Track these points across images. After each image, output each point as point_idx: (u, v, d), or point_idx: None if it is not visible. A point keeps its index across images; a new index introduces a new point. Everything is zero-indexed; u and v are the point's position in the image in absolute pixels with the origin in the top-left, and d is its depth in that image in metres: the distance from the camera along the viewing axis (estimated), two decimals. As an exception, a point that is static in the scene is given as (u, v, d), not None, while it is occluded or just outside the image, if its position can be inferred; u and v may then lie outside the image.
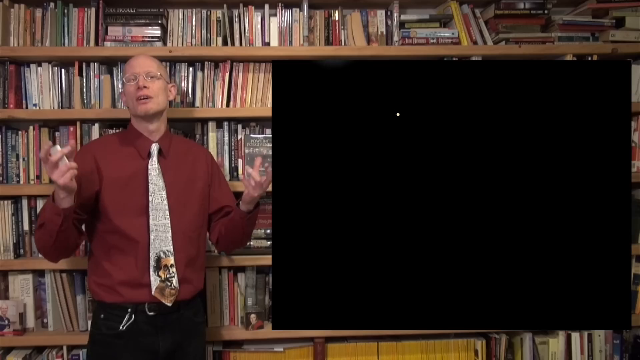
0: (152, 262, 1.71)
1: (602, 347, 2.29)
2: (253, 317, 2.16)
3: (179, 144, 1.90)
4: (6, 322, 2.07)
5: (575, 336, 2.28)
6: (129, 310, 1.71)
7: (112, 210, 1.73)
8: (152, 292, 1.70)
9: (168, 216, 1.74)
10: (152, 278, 1.71)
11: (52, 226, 1.58)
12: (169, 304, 1.72)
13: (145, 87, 1.75)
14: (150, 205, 1.73)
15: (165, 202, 1.75)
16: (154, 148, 1.80)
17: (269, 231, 2.17)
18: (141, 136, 1.81)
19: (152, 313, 1.72)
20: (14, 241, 2.12)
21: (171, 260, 1.73)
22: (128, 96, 1.79)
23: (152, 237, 1.72)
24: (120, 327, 1.71)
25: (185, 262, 1.77)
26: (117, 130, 2.15)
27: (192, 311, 1.83)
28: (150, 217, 1.73)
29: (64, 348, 2.11)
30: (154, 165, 1.77)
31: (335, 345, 2.20)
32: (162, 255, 1.72)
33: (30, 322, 2.13)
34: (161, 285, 1.71)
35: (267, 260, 2.16)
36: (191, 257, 1.80)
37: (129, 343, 1.71)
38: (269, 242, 2.17)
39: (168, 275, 1.72)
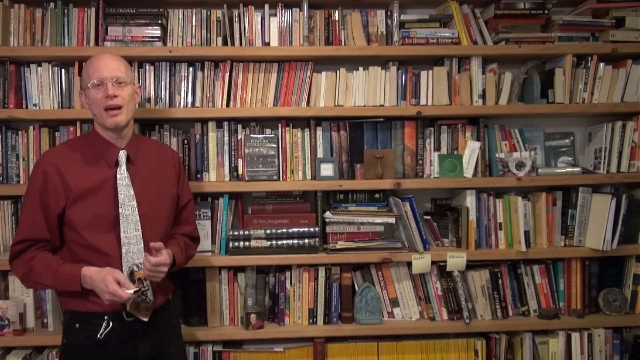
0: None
1: (602, 347, 2.29)
2: (253, 317, 2.15)
3: (146, 147, 1.80)
4: (6, 322, 2.07)
5: (575, 336, 2.28)
6: (106, 318, 1.64)
7: (80, 224, 1.63)
8: (127, 309, 1.63)
9: (139, 227, 1.66)
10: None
11: (52, 287, 1.69)
12: (146, 319, 1.66)
13: (115, 96, 1.63)
14: (120, 217, 1.64)
15: (136, 212, 1.66)
16: (122, 156, 1.69)
17: (269, 231, 2.17)
18: (107, 143, 1.70)
19: (130, 319, 1.65)
20: (14, 241, 2.12)
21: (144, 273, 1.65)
22: (93, 102, 1.66)
23: (124, 250, 1.64)
24: (98, 336, 1.63)
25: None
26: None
27: (167, 313, 1.78)
28: (121, 229, 1.64)
29: (64, 348, 2.11)
30: (122, 175, 1.67)
31: (335, 345, 2.20)
32: (135, 268, 1.64)
33: (30, 322, 2.13)
34: (136, 300, 1.63)
35: (267, 260, 2.16)
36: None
37: (108, 351, 1.64)
38: (269, 242, 2.17)
39: (143, 289, 1.63)
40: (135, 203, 1.66)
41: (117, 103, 1.64)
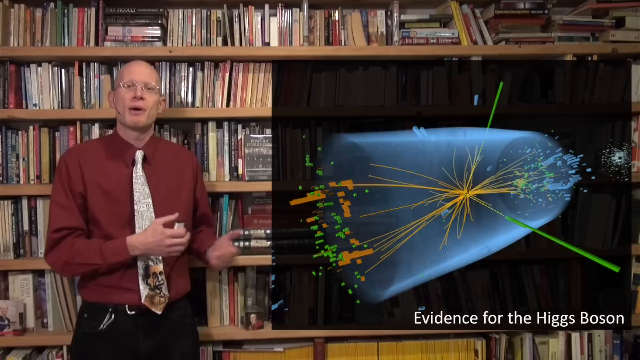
0: (140, 271, 1.70)
1: (602, 347, 2.29)
2: (253, 317, 2.16)
3: (164, 149, 1.87)
4: (6, 322, 2.07)
5: (575, 336, 2.28)
6: (110, 309, 1.70)
7: (97, 219, 1.72)
8: (142, 301, 1.69)
9: None
10: (141, 287, 1.69)
11: (101, 264, 1.66)
12: (159, 312, 1.70)
13: (141, 98, 1.73)
14: (135, 214, 1.71)
15: (152, 209, 1.73)
16: (139, 155, 1.77)
17: (269, 231, 2.17)
18: (126, 143, 1.79)
19: (132, 312, 1.70)
20: (14, 241, 2.12)
21: (160, 267, 1.71)
22: (119, 100, 1.76)
23: None
24: (101, 326, 1.69)
25: (173, 267, 1.77)
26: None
27: (178, 312, 1.80)
28: (136, 226, 1.71)
29: (64, 348, 2.11)
30: (138, 173, 1.74)
31: (335, 345, 2.20)
32: (151, 263, 1.71)
33: (30, 322, 2.13)
34: (151, 293, 1.69)
35: (267, 260, 2.15)
36: (178, 261, 1.80)
37: (109, 342, 1.70)
38: (269, 242, 2.16)
39: (157, 283, 1.70)
40: (150, 200, 1.73)
41: (141, 105, 1.74)
